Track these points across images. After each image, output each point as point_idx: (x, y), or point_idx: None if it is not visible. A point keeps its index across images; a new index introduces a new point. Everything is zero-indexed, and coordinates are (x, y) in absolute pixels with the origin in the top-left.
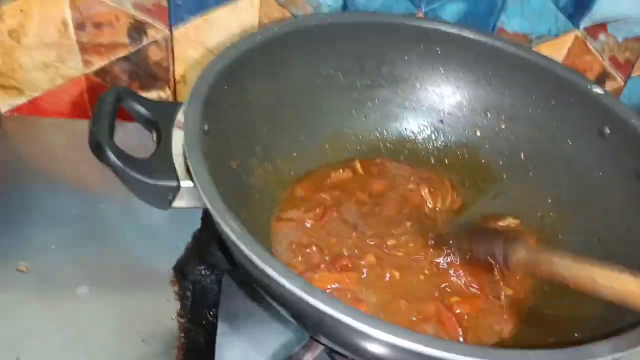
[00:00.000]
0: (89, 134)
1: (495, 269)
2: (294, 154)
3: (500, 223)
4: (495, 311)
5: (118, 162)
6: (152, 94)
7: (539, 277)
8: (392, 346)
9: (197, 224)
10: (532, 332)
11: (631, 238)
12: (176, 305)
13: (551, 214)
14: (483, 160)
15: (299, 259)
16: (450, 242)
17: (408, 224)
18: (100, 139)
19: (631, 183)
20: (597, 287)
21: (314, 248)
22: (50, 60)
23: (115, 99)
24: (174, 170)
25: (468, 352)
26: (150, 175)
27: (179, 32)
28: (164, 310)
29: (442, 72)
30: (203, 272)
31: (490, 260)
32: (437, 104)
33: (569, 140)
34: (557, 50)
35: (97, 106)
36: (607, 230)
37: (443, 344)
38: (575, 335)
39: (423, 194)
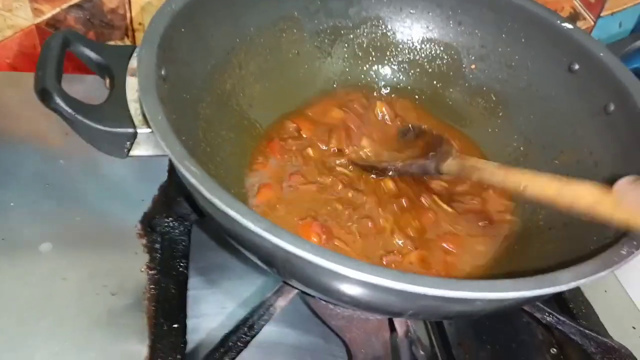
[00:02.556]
0: (34, 80)
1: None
2: (261, 99)
3: None
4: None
5: (67, 108)
6: (110, 44)
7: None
8: (361, 283)
9: (164, 176)
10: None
11: (599, 172)
12: (145, 257)
13: (521, 148)
14: (451, 102)
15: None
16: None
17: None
18: (46, 84)
19: (599, 118)
20: (520, 189)
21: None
22: None
23: (62, 43)
24: (129, 116)
25: (437, 284)
26: (104, 122)
27: None
28: (132, 264)
29: (412, 12)
30: (171, 223)
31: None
32: (407, 46)
33: (539, 78)
34: None
35: (43, 50)
36: (575, 166)
37: (412, 277)
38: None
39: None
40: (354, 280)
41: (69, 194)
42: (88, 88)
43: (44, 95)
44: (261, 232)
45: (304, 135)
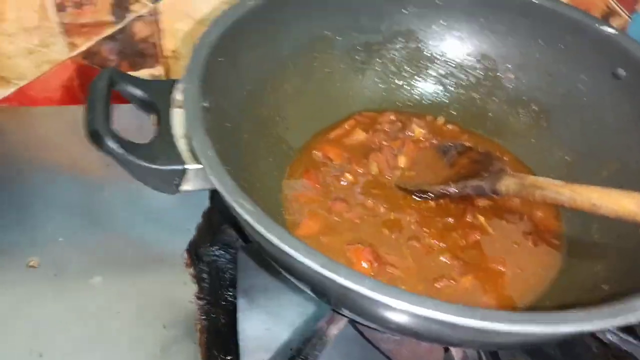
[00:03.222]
0: (84, 123)
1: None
2: (297, 121)
3: None
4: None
5: (118, 150)
6: (144, 73)
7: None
8: (423, 317)
9: (206, 203)
10: (579, 265)
11: None
12: (193, 287)
13: (566, 158)
14: (492, 113)
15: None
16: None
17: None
18: (97, 127)
19: None
20: (592, 207)
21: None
22: (34, 45)
23: (108, 83)
24: (178, 153)
25: (499, 318)
26: (154, 161)
27: (164, 4)
28: (181, 294)
29: (444, 24)
30: (217, 252)
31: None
32: (440, 58)
33: (581, 86)
34: None
35: (90, 92)
36: (624, 174)
37: (469, 311)
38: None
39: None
40: (417, 315)
41: (114, 225)
42: (121, 117)
43: (95, 138)
44: (320, 270)
45: (335, 162)
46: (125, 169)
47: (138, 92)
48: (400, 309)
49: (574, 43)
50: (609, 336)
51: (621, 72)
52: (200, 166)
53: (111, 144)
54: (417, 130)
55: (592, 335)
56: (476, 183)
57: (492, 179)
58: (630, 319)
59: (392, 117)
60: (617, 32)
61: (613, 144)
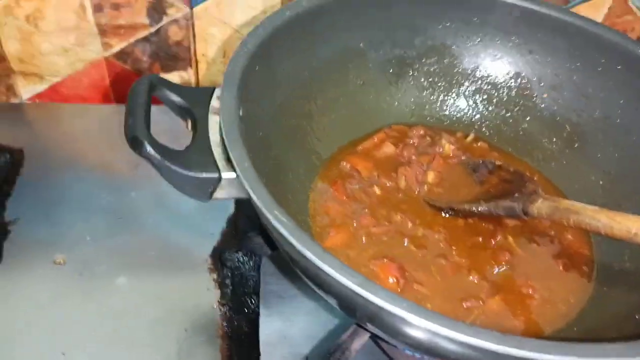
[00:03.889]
0: (124, 127)
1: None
2: (327, 132)
3: None
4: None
5: (157, 156)
6: (174, 75)
7: (565, 226)
8: (455, 341)
9: (231, 208)
10: (610, 293)
11: None
12: (217, 293)
13: (600, 182)
14: (523, 132)
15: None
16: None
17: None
18: (137, 133)
19: None
20: (630, 236)
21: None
22: (70, 44)
23: (148, 89)
24: (214, 160)
25: (529, 346)
26: (190, 168)
27: (199, 9)
28: (204, 299)
29: (479, 40)
30: (242, 258)
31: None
32: (475, 75)
33: (617, 109)
34: (596, 10)
35: (130, 97)
36: None
37: (499, 337)
38: None
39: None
40: (452, 339)
41: (140, 227)
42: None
43: (135, 144)
44: (357, 289)
45: (363, 174)
46: (161, 174)
47: (176, 99)
48: (435, 332)
49: (611, 65)
50: None
51: None
52: (234, 175)
53: (150, 150)
54: (447, 146)
55: None
56: (508, 204)
57: (525, 200)
58: None
59: (422, 132)
60: None
61: None
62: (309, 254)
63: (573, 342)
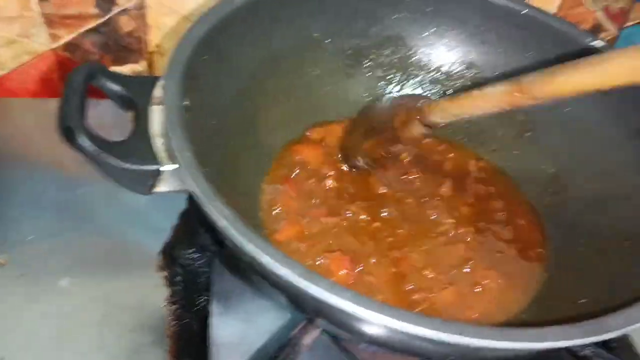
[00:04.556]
0: (57, 117)
1: None
2: (282, 124)
3: None
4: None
5: (91, 147)
6: (126, 68)
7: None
8: (402, 332)
9: (183, 204)
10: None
11: (637, 197)
12: (166, 291)
13: (551, 171)
14: (476, 123)
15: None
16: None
17: None
18: (70, 122)
19: (635, 141)
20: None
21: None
22: (14, 35)
23: (86, 77)
24: (153, 152)
25: (472, 333)
26: (127, 160)
27: None
28: (153, 298)
29: (434, 30)
30: (193, 255)
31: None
32: (429, 64)
33: (568, 99)
34: (549, 2)
35: (66, 85)
36: (608, 190)
37: (445, 325)
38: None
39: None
40: (392, 328)
41: (88, 224)
42: (101, 113)
43: (68, 134)
44: (298, 280)
45: (313, 165)
46: (97, 167)
47: (117, 88)
48: (375, 322)
49: (562, 55)
50: (586, 351)
51: None
52: (175, 167)
53: (83, 141)
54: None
55: (568, 351)
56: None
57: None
58: (602, 337)
59: None
60: (603, 44)
61: (598, 159)
62: (249, 246)
63: (514, 328)
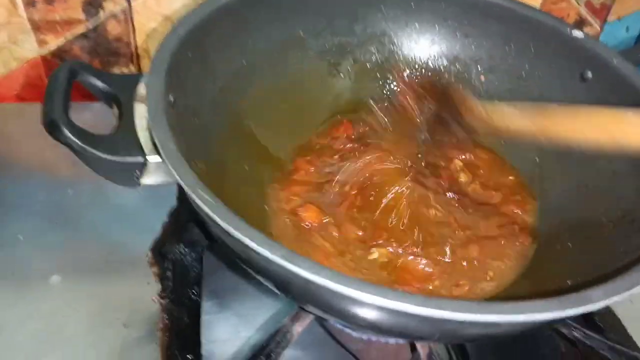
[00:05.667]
0: (42, 112)
1: None
2: (270, 122)
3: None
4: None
5: (75, 140)
6: (115, 72)
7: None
8: (386, 309)
9: (173, 202)
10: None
11: (618, 183)
12: (157, 287)
13: (536, 159)
14: None
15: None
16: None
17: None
18: (54, 116)
19: None
20: (559, 128)
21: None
22: (2, 41)
23: (69, 74)
24: (139, 144)
25: (461, 308)
26: (113, 153)
27: (138, 3)
28: (144, 294)
29: (417, 26)
30: (183, 250)
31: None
32: (413, 60)
33: (551, 89)
34: None
35: (50, 82)
36: (593, 176)
37: (436, 302)
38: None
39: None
40: (378, 307)
41: (77, 224)
42: (96, 116)
43: (52, 128)
44: (278, 260)
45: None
46: (83, 160)
47: (100, 84)
48: (360, 301)
49: (545, 47)
50: (575, 333)
51: (588, 74)
52: (160, 159)
53: (68, 133)
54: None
55: (559, 333)
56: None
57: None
58: (582, 309)
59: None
60: (584, 36)
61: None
62: (231, 229)
63: (492, 302)
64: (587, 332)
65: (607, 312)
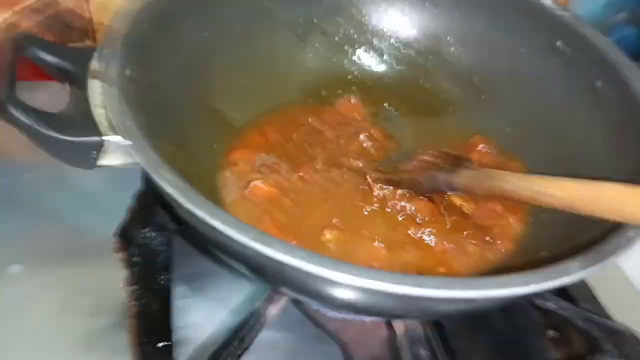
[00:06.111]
0: None
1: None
2: (236, 98)
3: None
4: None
5: (24, 119)
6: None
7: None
8: (358, 288)
9: (137, 185)
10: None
11: (590, 151)
12: (124, 272)
13: (507, 130)
14: (433, 86)
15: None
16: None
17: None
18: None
19: (587, 96)
20: (543, 197)
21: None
22: None
23: (15, 48)
24: (94, 123)
25: (440, 285)
26: (66, 132)
27: None
28: (111, 280)
29: None
30: (150, 234)
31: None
32: (384, 32)
33: (521, 58)
34: None
35: None
36: (565, 147)
37: (413, 279)
38: None
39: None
40: (351, 286)
41: (37, 210)
42: (51, 96)
43: None
44: (248, 242)
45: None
46: (34, 142)
47: (51, 58)
48: (333, 280)
49: (515, 17)
50: (549, 304)
51: (559, 45)
52: (119, 138)
53: (15, 112)
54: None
55: (534, 305)
56: (432, 174)
57: (449, 171)
58: (559, 282)
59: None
60: (555, 6)
61: (556, 117)
62: (198, 212)
63: (471, 278)
64: (562, 303)
65: (580, 283)
